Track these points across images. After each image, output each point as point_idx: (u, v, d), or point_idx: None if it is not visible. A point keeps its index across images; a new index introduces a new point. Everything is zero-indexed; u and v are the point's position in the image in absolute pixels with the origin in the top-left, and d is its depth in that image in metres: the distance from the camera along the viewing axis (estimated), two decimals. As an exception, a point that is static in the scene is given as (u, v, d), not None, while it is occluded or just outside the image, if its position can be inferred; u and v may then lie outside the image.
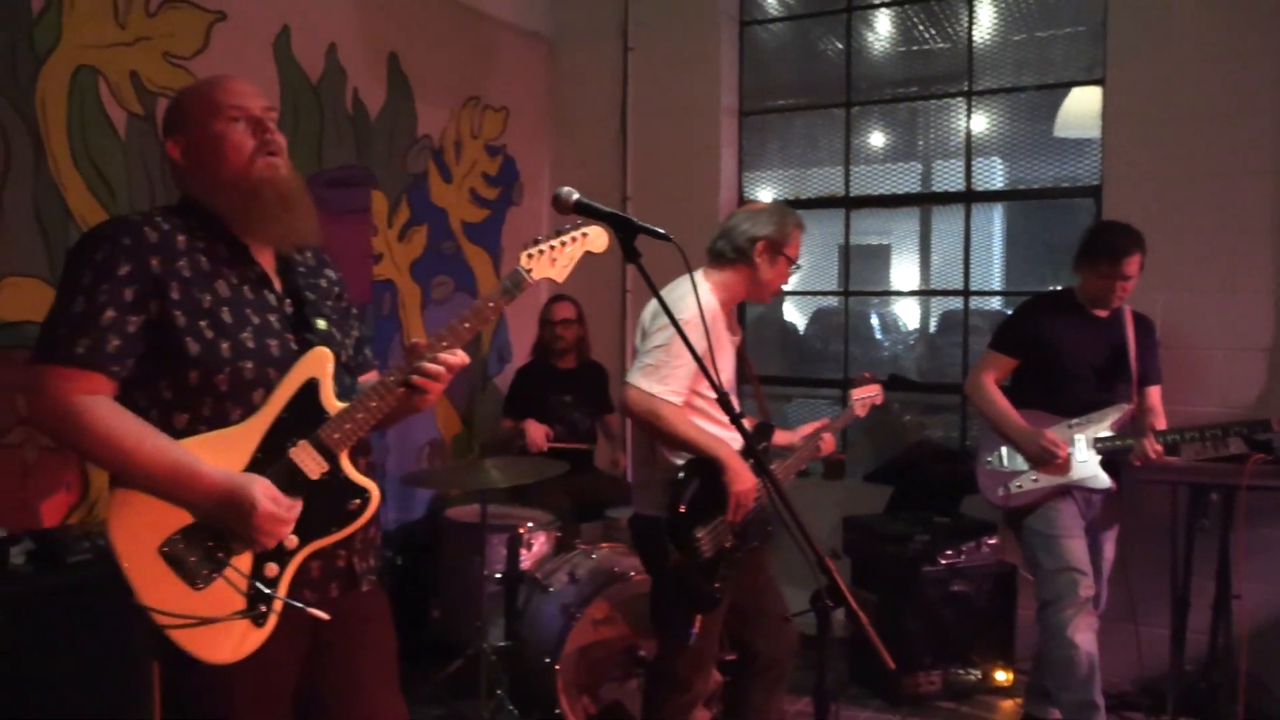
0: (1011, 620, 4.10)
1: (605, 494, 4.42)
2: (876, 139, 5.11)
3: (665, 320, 2.59)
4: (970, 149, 4.61)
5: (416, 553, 4.14)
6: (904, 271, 6.75)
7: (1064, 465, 3.40)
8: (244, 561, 1.71)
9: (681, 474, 2.70)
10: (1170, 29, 3.99)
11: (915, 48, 4.95)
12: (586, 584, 3.53)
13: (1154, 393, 3.57)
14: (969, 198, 4.63)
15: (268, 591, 1.71)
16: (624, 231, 1.93)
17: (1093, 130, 4.35)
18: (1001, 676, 4.07)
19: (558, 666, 3.38)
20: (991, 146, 4.70)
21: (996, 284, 5.07)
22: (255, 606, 1.70)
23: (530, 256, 1.95)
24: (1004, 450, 3.54)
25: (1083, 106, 4.49)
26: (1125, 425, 3.47)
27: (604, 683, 3.50)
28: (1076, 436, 3.43)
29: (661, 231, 1.98)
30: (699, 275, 2.88)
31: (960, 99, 4.63)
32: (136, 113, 3.27)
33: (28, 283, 3.00)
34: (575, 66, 5.19)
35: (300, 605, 1.73)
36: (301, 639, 1.79)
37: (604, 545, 3.85)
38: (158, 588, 1.64)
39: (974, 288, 4.75)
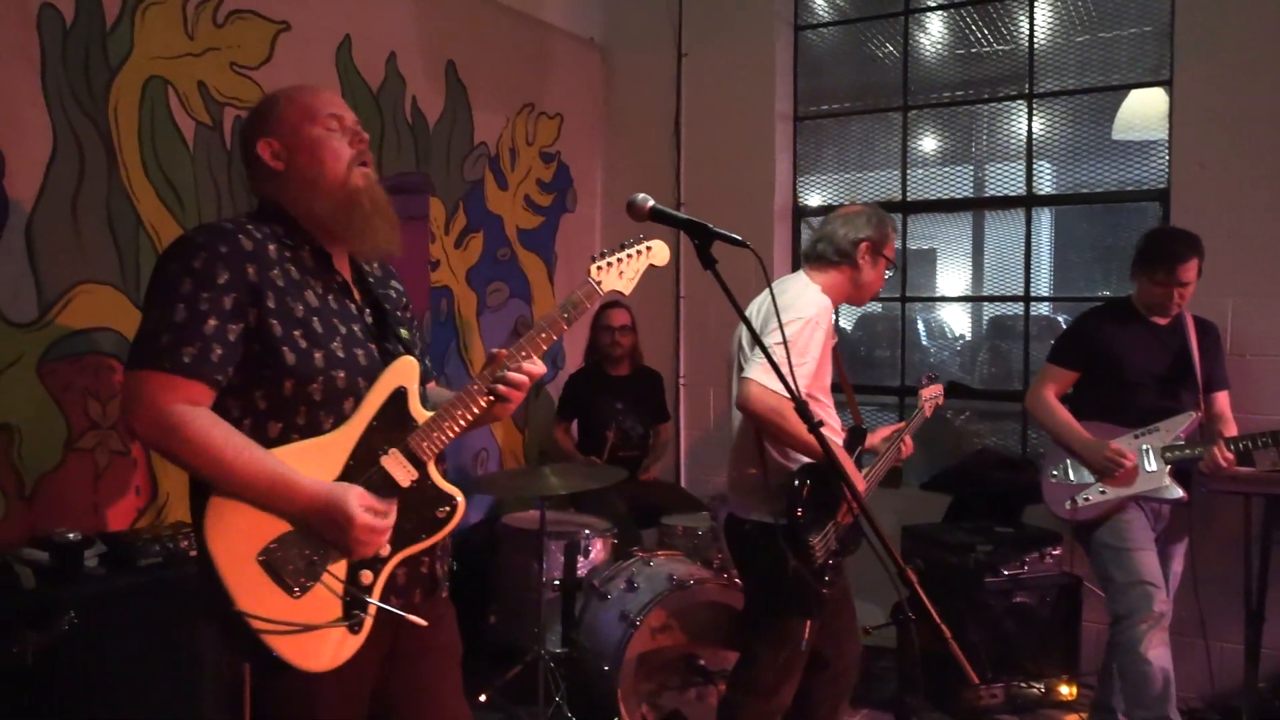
0: (1076, 633, 4.02)
1: (660, 501, 4.41)
2: (930, 143, 5.06)
3: (788, 317, 2.60)
4: (1031, 152, 4.54)
5: (474, 558, 4.15)
6: (950, 277, 6.68)
7: (1131, 476, 3.33)
8: (339, 569, 1.72)
9: (796, 479, 2.68)
10: (1239, 28, 3.90)
11: (969, 51, 4.89)
12: (646, 592, 3.52)
13: (1221, 399, 3.49)
14: (1029, 201, 4.56)
15: (364, 598, 1.72)
16: (700, 238, 1.92)
17: (1154, 132, 4.27)
18: (1065, 691, 3.98)
19: (618, 674, 3.36)
20: (1048, 149, 4.62)
21: (1045, 289, 4.97)
22: (352, 614, 1.71)
23: (599, 269, 1.99)
24: (1069, 462, 3.48)
25: (1143, 108, 4.41)
26: (1194, 434, 3.39)
27: (663, 691, 3.48)
28: (1144, 447, 3.36)
29: (738, 238, 1.97)
30: (805, 275, 2.89)
31: (1019, 102, 4.57)
32: (205, 122, 3.32)
33: (101, 290, 3.05)
34: (629, 72, 5.19)
35: (399, 612, 1.76)
36: (383, 642, 1.80)
37: (661, 553, 3.84)
38: (256, 595, 1.65)
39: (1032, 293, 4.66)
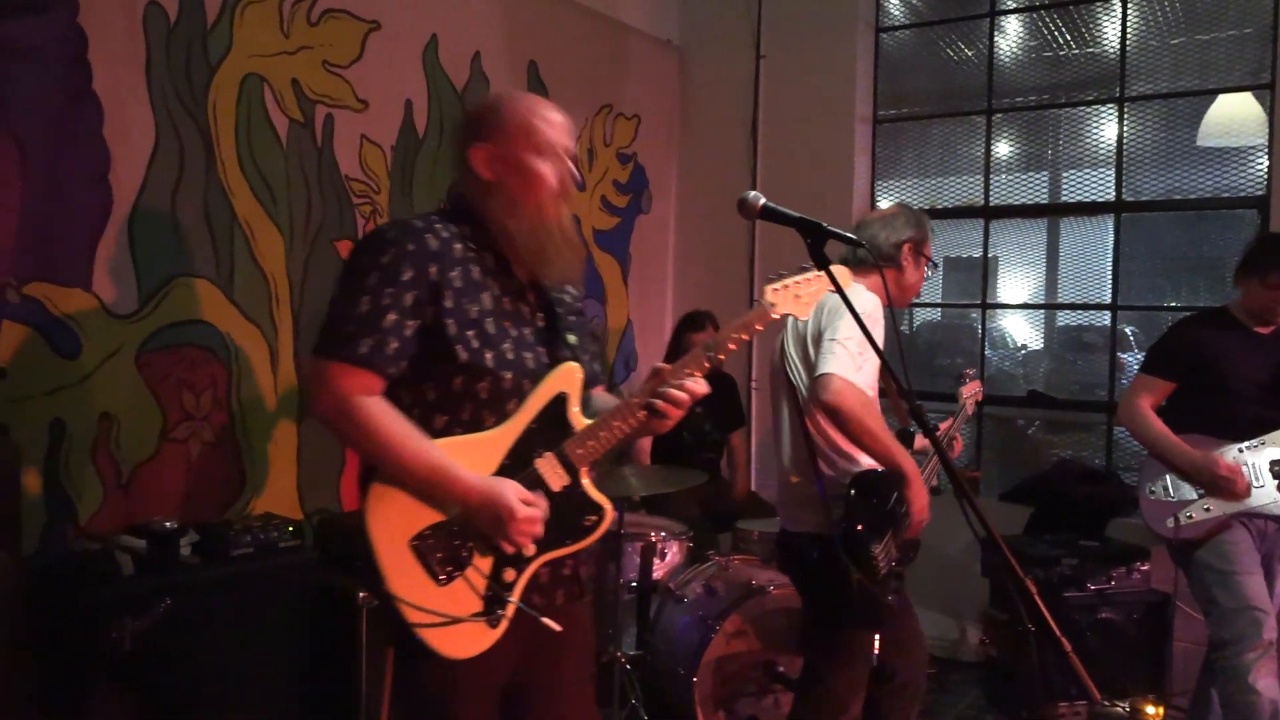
0: (1165, 652, 3.90)
1: (734, 505, 4.37)
2: (1005, 148, 4.95)
3: (843, 319, 2.56)
4: (1121, 157, 4.42)
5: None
6: (1011, 285, 6.54)
7: (1241, 491, 3.18)
8: (485, 564, 1.78)
9: (852, 490, 2.63)
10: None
11: (1054, 54, 4.79)
12: (724, 597, 3.48)
13: None
14: (1119, 208, 4.44)
15: (505, 595, 1.77)
16: (813, 237, 1.88)
17: (1243, 138, 4.14)
18: (1152, 711, 3.86)
19: (695, 679, 3.33)
20: (1130, 155, 4.48)
21: (1106, 298, 4.84)
22: (492, 609, 1.77)
23: (775, 291, 1.95)
24: (1169, 478, 3.32)
25: (1232, 114, 4.27)
26: None
27: (740, 697, 3.44)
28: (1251, 460, 3.22)
29: (852, 236, 1.93)
30: (853, 282, 2.84)
31: (1099, 107, 4.48)
32: (297, 119, 3.37)
33: (197, 283, 3.11)
34: (706, 74, 5.17)
35: (535, 614, 1.80)
36: (521, 640, 1.83)
37: (736, 558, 3.80)
38: (405, 578, 1.72)
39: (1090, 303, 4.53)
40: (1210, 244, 4.68)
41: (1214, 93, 4.26)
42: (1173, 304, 4.80)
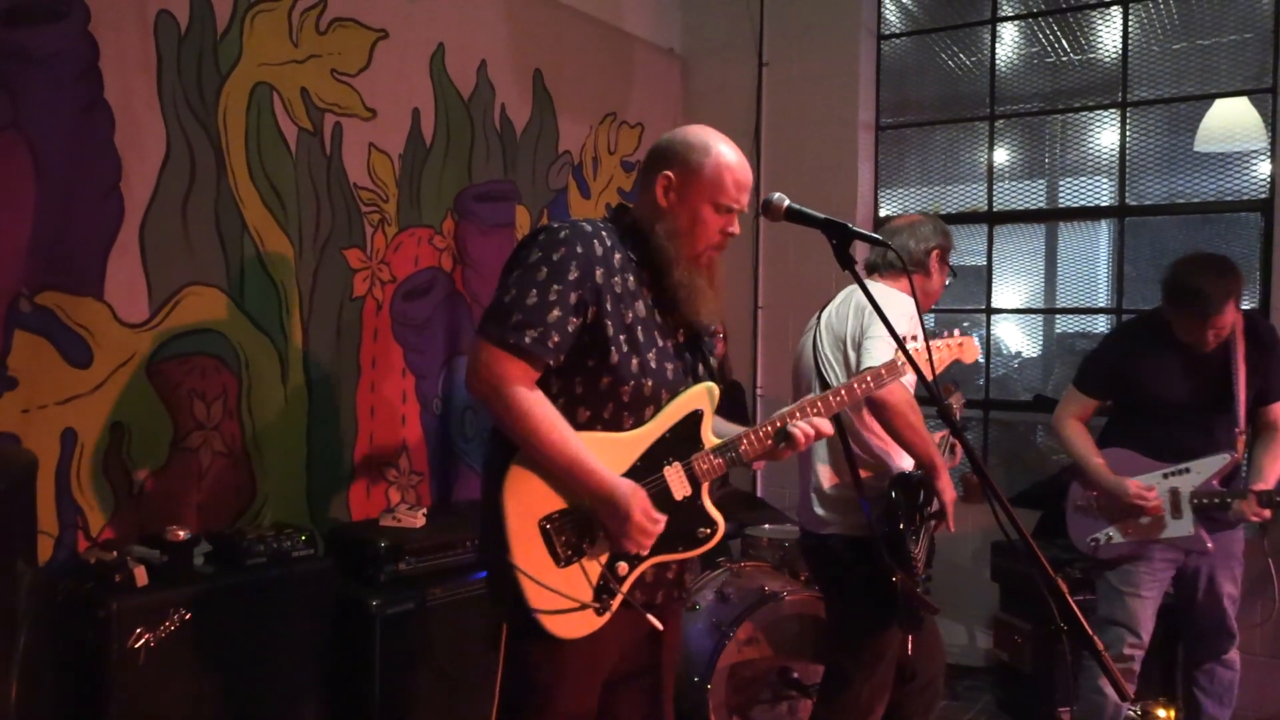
0: (1174, 655, 3.89)
1: (741, 510, 4.36)
2: (1006, 155, 4.97)
3: (895, 314, 2.58)
4: (1124, 162, 4.45)
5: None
6: (1007, 292, 6.54)
7: (1156, 523, 3.15)
8: (602, 554, 1.91)
9: (893, 491, 2.65)
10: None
11: (1051, 60, 4.82)
12: (736, 603, 3.47)
13: (1276, 410, 3.21)
14: (1122, 212, 4.47)
15: (615, 586, 1.90)
16: (838, 237, 1.88)
17: (1239, 143, 4.17)
18: (1163, 714, 3.85)
19: (709, 686, 3.32)
20: (1132, 160, 4.49)
21: (1103, 302, 4.86)
22: (601, 597, 1.90)
23: (917, 350, 2.18)
24: (1093, 496, 3.29)
25: (1228, 119, 4.30)
26: (1233, 476, 3.18)
27: (755, 704, 3.43)
28: (1173, 489, 3.15)
29: (878, 237, 1.95)
30: (882, 284, 2.86)
31: (1097, 113, 4.53)
32: (306, 128, 3.36)
33: (208, 292, 3.10)
34: (709, 82, 5.19)
35: (641, 609, 1.93)
36: (625, 631, 1.94)
37: (747, 564, 3.80)
38: (528, 553, 1.86)
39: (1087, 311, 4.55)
40: (1213, 248, 4.70)
41: (1215, 97, 4.28)
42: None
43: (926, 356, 2.22)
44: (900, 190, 5.12)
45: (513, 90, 4.17)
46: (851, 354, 2.74)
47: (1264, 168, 4.16)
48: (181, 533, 2.76)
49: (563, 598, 1.85)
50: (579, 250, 1.88)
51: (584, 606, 1.87)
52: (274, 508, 3.30)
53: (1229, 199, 4.28)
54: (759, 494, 4.98)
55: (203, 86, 3.06)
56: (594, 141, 4.67)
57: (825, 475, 2.83)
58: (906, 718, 2.96)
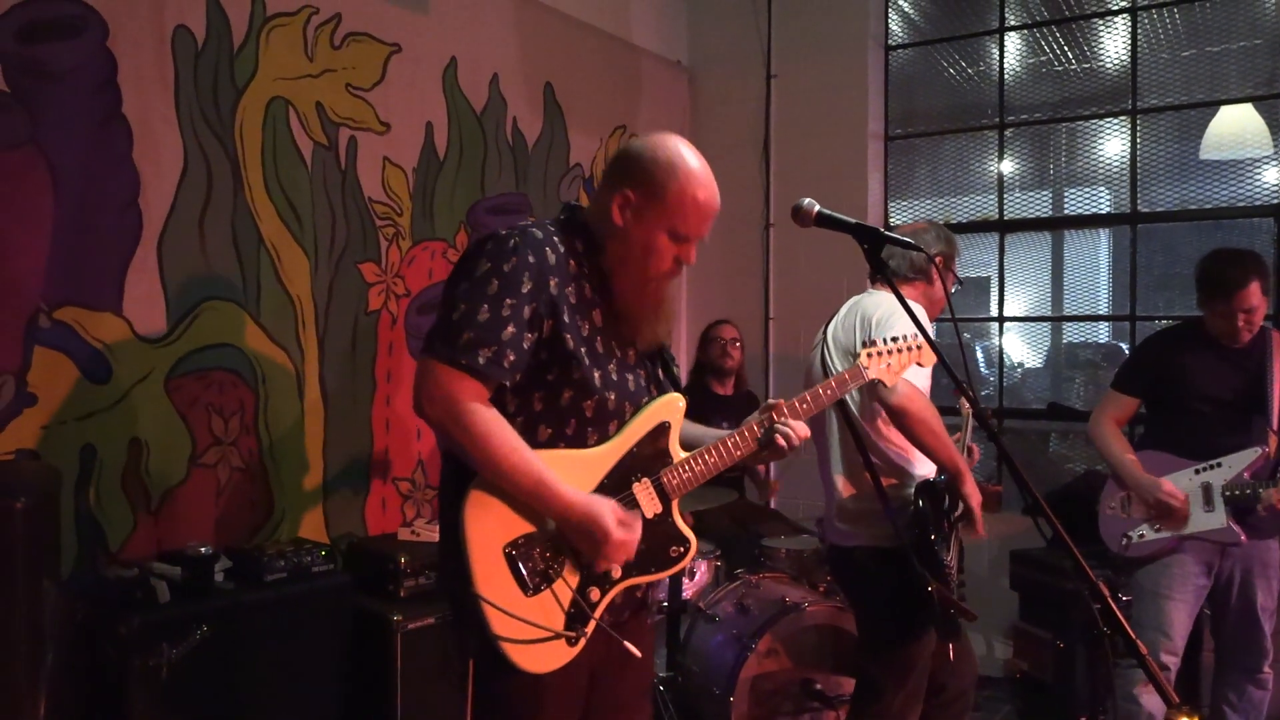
0: (1196, 662, 3.86)
1: (758, 523, 4.34)
2: (1012, 165, 4.96)
3: (899, 319, 2.58)
4: (1135, 169, 4.45)
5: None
6: (1011, 302, 6.56)
7: (1182, 518, 3.15)
8: (573, 579, 1.78)
9: (920, 499, 2.63)
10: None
11: (1060, 68, 4.83)
12: (757, 615, 3.44)
13: None
14: (1134, 219, 4.46)
15: (588, 613, 1.78)
16: (870, 242, 1.87)
17: (1244, 150, 4.18)
18: (1185, 722, 3.83)
19: (731, 699, 3.29)
20: (1142, 167, 4.49)
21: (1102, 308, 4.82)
22: (574, 625, 1.77)
23: (870, 356, 2.11)
24: (1124, 497, 3.30)
25: (1233, 127, 4.31)
26: (1264, 469, 3.14)
27: (776, 716, 3.40)
28: (1204, 484, 3.15)
29: (910, 241, 1.93)
30: (883, 292, 2.84)
31: (1103, 121, 4.54)
32: (321, 142, 3.36)
33: (225, 307, 3.09)
34: (717, 94, 5.19)
35: (618, 636, 1.81)
36: (594, 652, 1.83)
37: (766, 575, 3.77)
38: (494, 583, 1.71)
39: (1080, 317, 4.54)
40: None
41: (1225, 103, 4.29)
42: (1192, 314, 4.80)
43: (906, 346, 2.16)
44: (910, 201, 5.12)
45: (524, 103, 4.18)
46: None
47: (1274, 173, 4.16)
48: (202, 549, 2.74)
49: (533, 628, 1.71)
50: (531, 260, 1.73)
51: (557, 636, 1.74)
52: (291, 523, 3.29)
53: (1241, 204, 4.27)
54: (772, 505, 4.95)
55: (219, 101, 3.06)
56: (604, 154, 4.67)
57: (845, 487, 2.82)
58: None
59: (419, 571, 3.10)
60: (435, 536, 3.30)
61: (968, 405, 3.22)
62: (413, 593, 3.09)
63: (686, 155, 1.85)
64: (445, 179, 3.83)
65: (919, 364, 2.25)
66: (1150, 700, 3.17)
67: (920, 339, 2.15)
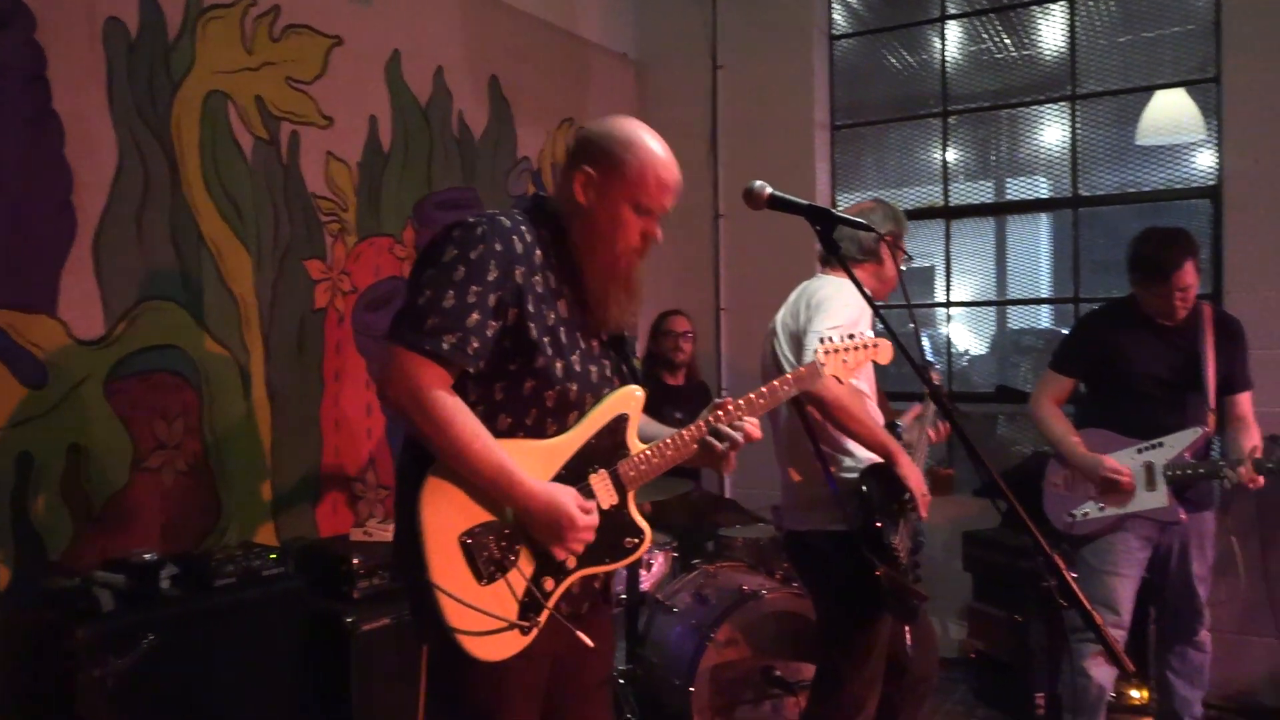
0: (1143, 635, 3.95)
1: (714, 513, 4.34)
2: (956, 154, 5.03)
3: (830, 307, 2.56)
4: (1076, 154, 4.53)
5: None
6: (957, 287, 6.67)
7: (1128, 494, 3.21)
8: (528, 569, 1.78)
9: (864, 484, 2.63)
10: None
11: (1001, 56, 4.90)
12: (715, 605, 3.45)
13: (1242, 400, 3.28)
14: (1076, 203, 4.54)
15: (542, 602, 1.78)
16: (822, 224, 1.88)
17: (1179, 135, 4.28)
18: (1136, 695, 3.92)
19: (692, 689, 3.29)
20: (1082, 152, 4.58)
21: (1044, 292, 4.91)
22: (527, 614, 1.76)
23: (827, 353, 2.10)
24: (1067, 476, 3.36)
25: (1168, 112, 4.41)
26: (1201, 449, 3.23)
27: (738, 705, 3.41)
28: (1147, 463, 3.21)
29: (861, 221, 1.93)
30: (832, 276, 2.85)
31: (1043, 108, 4.63)
32: (262, 137, 3.29)
33: (165, 306, 3.00)
34: (664, 86, 5.19)
35: (570, 626, 1.80)
36: (554, 642, 1.82)
37: (723, 565, 3.77)
38: (449, 571, 1.71)
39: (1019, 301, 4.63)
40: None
41: (1161, 88, 4.38)
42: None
43: (863, 343, 2.14)
44: (858, 191, 5.16)
45: (470, 97, 4.13)
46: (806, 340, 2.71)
47: (1209, 156, 4.25)
48: (146, 555, 2.67)
49: (486, 617, 1.71)
50: (498, 248, 1.73)
51: (510, 626, 1.74)
52: (240, 526, 3.21)
53: (1178, 186, 4.37)
54: (728, 494, 4.96)
55: (154, 95, 2.98)
56: (552, 147, 4.64)
57: (796, 473, 2.82)
58: (897, 712, 2.92)
59: (372, 572, 3.05)
60: (389, 536, 3.24)
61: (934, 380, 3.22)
62: (367, 594, 3.03)
63: (643, 132, 1.88)
64: (391, 174, 3.77)
65: (876, 361, 2.25)
66: (1100, 672, 3.24)
67: (876, 338, 2.16)
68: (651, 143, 1.87)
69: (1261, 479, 3.11)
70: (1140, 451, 3.24)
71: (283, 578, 2.91)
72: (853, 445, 2.72)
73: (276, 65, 3.33)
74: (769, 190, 1.90)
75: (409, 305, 1.73)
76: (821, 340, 2.11)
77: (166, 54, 3.00)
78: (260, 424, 3.28)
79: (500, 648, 1.74)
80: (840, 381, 2.17)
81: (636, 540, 1.88)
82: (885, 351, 2.22)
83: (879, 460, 2.70)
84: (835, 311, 2.62)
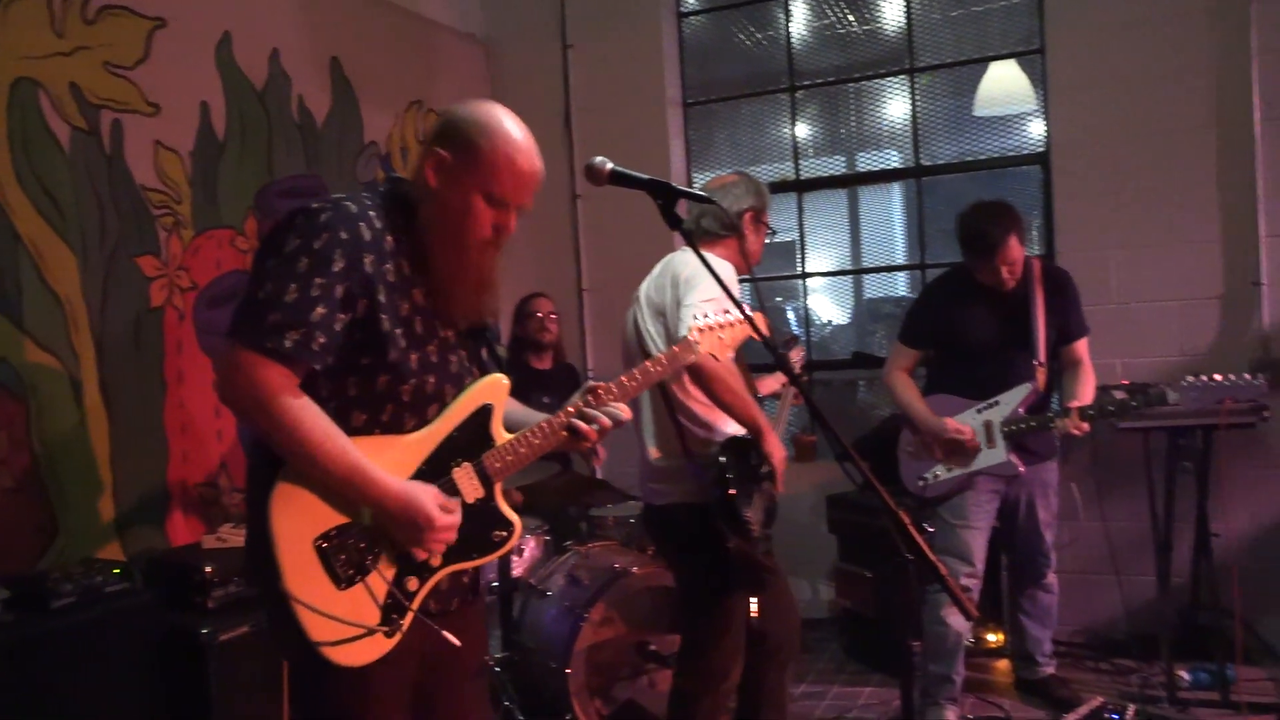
0: (997, 581, 4.16)
1: (585, 493, 4.33)
2: (807, 129, 5.15)
3: (703, 280, 2.56)
4: (917, 125, 4.69)
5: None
6: (814, 260, 6.89)
7: (971, 453, 3.37)
8: (389, 570, 1.71)
9: (722, 456, 2.65)
10: (1103, -5, 4.13)
11: (843, 31, 5.03)
12: (588, 585, 3.45)
13: (1078, 347, 3.47)
14: (919, 172, 4.71)
15: (405, 604, 1.71)
16: (664, 197, 1.88)
17: (1012, 106, 4.50)
18: (992, 638, 4.13)
19: (568, 671, 3.28)
20: (923, 123, 4.75)
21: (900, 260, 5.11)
22: (390, 618, 1.69)
23: (701, 331, 2.09)
24: (918, 441, 3.50)
25: (1002, 84, 4.63)
26: (1036, 402, 3.40)
27: (615, 682, 3.43)
28: (986, 422, 3.38)
29: (702, 194, 1.95)
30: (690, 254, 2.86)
31: (887, 81, 4.79)
32: (80, 127, 3.08)
33: (-20, 312, 2.79)
34: (515, 67, 5.12)
35: (435, 626, 1.74)
36: (423, 638, 1.77)
37: (595, 545, 3.78)
38: (304, 578, 1.62)
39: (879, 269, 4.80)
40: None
41: (991, 60, 4.58)
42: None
43: (737, 320, 2.12)
44: (713, 168, 5.21)
45: (310, 80, 3.97)
46: (670, 320, 2.71)
47: (1040, 125, 4.47)
48: (-28, 580, 2.48)
49: (346, 625, 1.63)
50: (344, 236, 1.62)
51: (371, 631, 1.66)
52: (80, 543, 3.02)
53: (1012, 154, 4.58)
54: (599, 475, 4.96)
55: (-48, 84, 2.75)
56: (401, 130, 4.52)
57: (655, 447, 2.83)
58: (761, 679, 2.95)
59: (228, 580, 2.92)
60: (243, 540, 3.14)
61: (794, 359, 3.28)
62: (223, 602, 2.90)
63: (504, 119, 1.77)
64: (228, 162, 3.59)
65: (753, 337, 2.24)
66: (956, 620, 3.38)
67: (751, 312, 2.15)
68: (513, 132, 1.76)
69: (1087, 425, 3.28)
70: (979, 412, 3.39)
71: (129, 593, 2.76)
72: (713, 419, 2.74)
73: (92, 49, 3.12)
74: (609, 166, 1.89)
75: (249, 300, 1.62)
76: (695, 318, 2.09)
77: (-37, 39, 2.78)
78: (95, 433, 3.09)
79: (363, 653, 1.67)
80: (717, 359, 2.15)
81: (505, 533, 1.82)
82: (760, 325, 2.20)
83: (739, 433, 2.74)
84: (706, 286, 2.60)
